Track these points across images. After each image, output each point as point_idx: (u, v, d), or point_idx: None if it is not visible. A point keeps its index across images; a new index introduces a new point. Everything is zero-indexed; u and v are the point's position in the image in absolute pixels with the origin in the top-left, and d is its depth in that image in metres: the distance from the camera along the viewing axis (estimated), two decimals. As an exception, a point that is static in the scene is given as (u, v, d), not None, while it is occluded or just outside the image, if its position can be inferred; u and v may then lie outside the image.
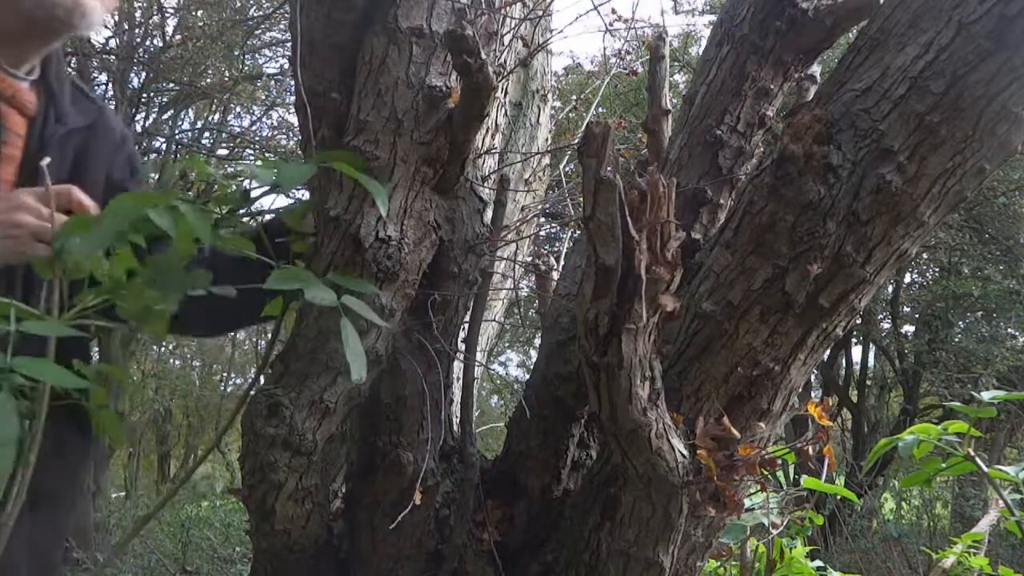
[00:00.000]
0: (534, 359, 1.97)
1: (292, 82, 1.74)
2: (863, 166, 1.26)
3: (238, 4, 7.95)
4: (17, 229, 1.29)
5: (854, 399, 10.14)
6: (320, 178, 1.46)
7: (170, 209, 1.11)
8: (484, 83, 1.37)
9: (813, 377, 9.79)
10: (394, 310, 1.44)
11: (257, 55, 8.87)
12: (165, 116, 9.07)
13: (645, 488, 1.34)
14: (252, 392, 1.45)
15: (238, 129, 9.73)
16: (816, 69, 1.74)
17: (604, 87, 4.02)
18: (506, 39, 2.03)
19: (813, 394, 10.38)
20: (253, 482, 1.43)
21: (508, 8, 1.93)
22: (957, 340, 8.80)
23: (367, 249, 1.39)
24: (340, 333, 1.19)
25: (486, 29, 1.53)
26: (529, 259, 2.53)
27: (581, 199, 1.21)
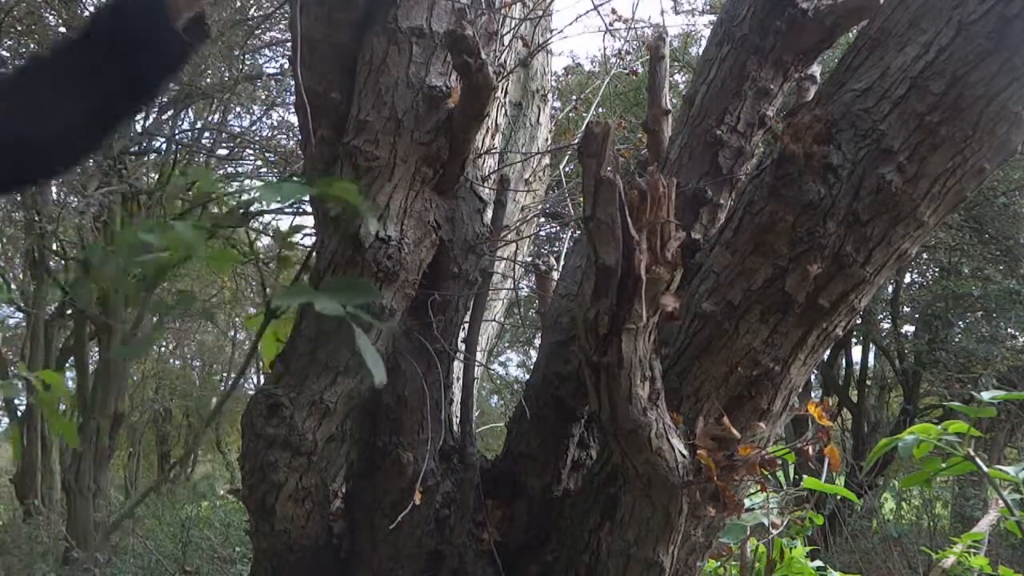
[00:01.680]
0: (534, 359, 1.97)
1: (292, 82, 1.74)
2: (863, 166, 1.26)
3: (238, 4, 7.95)
4: None
5: (854, 399, 10.13)
6: (321, 178, 1.46)
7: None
8: (484, 83, 1.37)
9: (813, 377, 9.78)
10: (394, 310, 1.44)
11: (257, 55, 8.87)
12: (165, 116, 9.06)
13: (645, 488, 1.33)
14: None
15: (238, 129, 9.72)
16: (816, 69, 1.74)
17: (604, 87, 4.02)
18: (506, 39, 2.03)
19: (813, 394, 10.37)
20: (253, 482, 1.43)
21: (508, 8, 1.93)
22: (957, 340, 8.79)
23: (367, 249, 1.39)
24: (339, 333, 1.19)
25: (486, 29, 1.53)
26: (529, 259, 2.53)
27: (581, 199, 1.21)
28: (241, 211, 1.41)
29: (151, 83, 1.32)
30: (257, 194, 1.30)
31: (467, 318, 1.70)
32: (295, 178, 1.38)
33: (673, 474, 1.30)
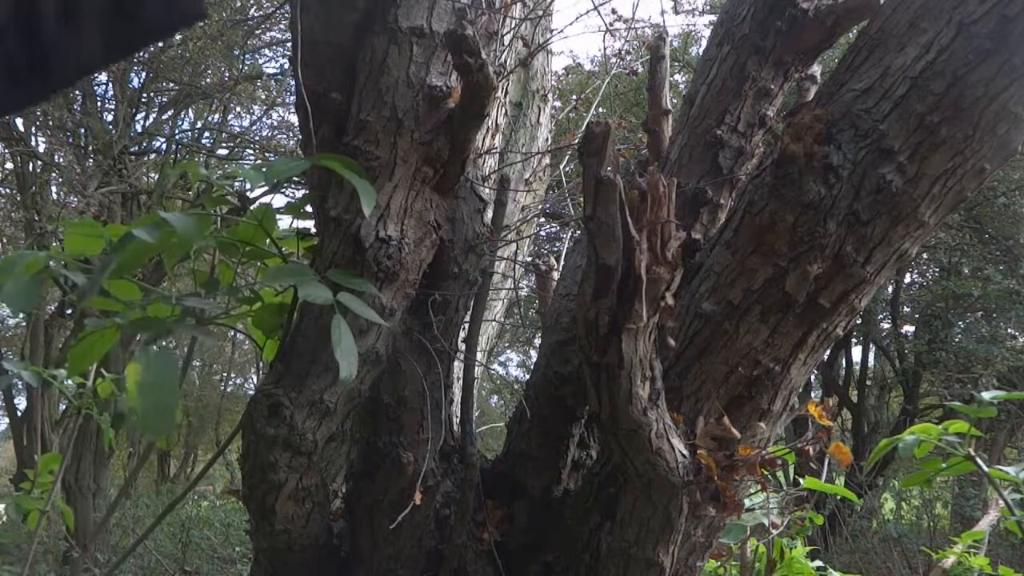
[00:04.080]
0: (534, 359, 1.97)
1: (292, 82, 1.74)
2: (863, 166, 1.26)
3: (238, 4, 7.94)
4: None
5: (854, 399, 10.13)
6: (320, 178, 1.47)
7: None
8: (484, 83, 1.37)
9: (813, 377, 9.78)
10: (394, 310, 1.44)
11: (257, 55, 8.87)
12: (165, 116, 9.07)
13: (645, 488, 1.33)
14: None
15: (238, 129, 9.72)
16: (816, 69, 1.74)
17: (604, 87, 4.02)
18: (506, 39, 2.03)
19: (813, 394, 10.37)
20: (253, 482, 1.43)
21: (508, 8, 1.93)
22: (957, 340, 8.79)
23: (367, 249, 1.39)
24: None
25: (486, 29, 1.53)
26: (529, 259, 2.53)
27: (581, 199, 1.21)
28: (240, 201, 1.41)
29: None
30: (250, 179, 1.29)
31: (467, 318, 1.70)
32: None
33: (673, 474, 1.30)
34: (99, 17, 1.01)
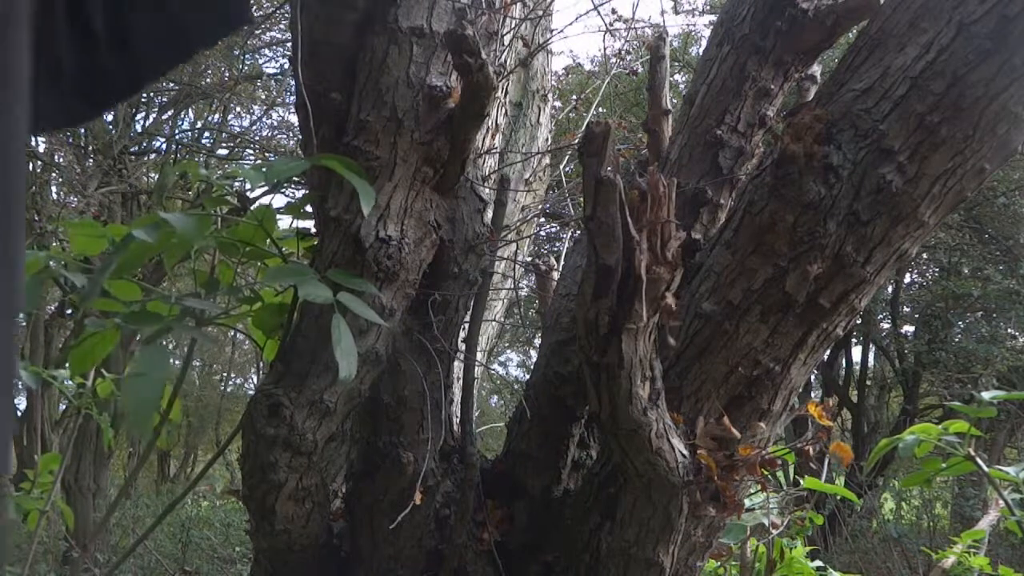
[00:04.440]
0: (534, 359, 1.97)
1: (292, 82, 1.73)
2: (863, 166, 1.26)
3: (238, 4, 7.92)
4: None
5: (854, 399, 10.13)
6: (320, 178, 1.47)
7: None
8: (484, 83, 1.37)
9: (813, 377, 9.78)
10: (394, 310, 1.44)
11: (257, 55, 8.87)
12: (165, 116, 9.07)
13: (645, 488, 1.34)
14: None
15: (238, 129, 9.71)
16: (816, 69, 1.74)
17: (604, 87, 4.02)
18: (506, 39, 2.03)
19: (813, 394, 10.37)
20: (253, 482, 1.43)
21: (508, 8, 1.93)
22: (957, 340, 8.79)
23: (367, 249, 1.39)
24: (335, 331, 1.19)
25: (486, 29, 1.53)
26: (529, 259, 2.53)
27: (581, 199, 1.21)
28: (239, 201, 1.42)
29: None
30: (250, 179, 1.29)
31: (467, 318, 1.70)
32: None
33: (673, 474, 1.30)
34: (151, 33, 1.01)
